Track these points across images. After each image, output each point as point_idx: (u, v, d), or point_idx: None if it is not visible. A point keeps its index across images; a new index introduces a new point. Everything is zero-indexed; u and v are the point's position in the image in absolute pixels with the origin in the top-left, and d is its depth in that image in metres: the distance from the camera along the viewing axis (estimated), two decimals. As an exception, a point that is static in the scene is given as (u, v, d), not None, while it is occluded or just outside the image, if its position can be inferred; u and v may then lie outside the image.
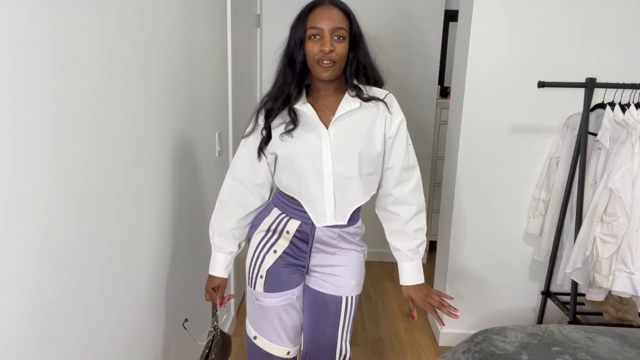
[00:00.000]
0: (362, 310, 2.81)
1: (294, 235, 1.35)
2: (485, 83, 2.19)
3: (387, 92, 1.34)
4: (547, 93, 2.16)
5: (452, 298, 1.38)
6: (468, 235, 2.36)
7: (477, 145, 2.26)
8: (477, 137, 2.25)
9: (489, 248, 2.37)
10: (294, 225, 1.34)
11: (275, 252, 1.36)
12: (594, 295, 1.96)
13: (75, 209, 0.97)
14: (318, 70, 1.24)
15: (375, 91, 1.33)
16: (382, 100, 1.31)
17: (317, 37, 1.22)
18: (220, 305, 1.47)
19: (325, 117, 1.29)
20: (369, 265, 3.37)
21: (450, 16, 3.42)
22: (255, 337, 1.41)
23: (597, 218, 1.86)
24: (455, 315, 1.31)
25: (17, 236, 0.80)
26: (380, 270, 3.36)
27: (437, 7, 3.15)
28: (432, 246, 3.59)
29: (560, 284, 2.13)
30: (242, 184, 1.39)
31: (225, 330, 2.26)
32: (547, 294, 2.29)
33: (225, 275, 1.45)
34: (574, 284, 1.98)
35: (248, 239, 1.46)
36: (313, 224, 1.33)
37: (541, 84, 1.93)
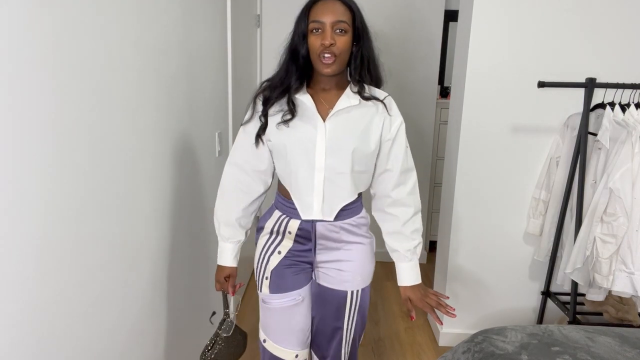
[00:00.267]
0: (362, 310, 2.81)
1: (297, 235, 1.36)
2: (485, 83, 2.19)
3: (387, 94, 1.35)
4: (547, 93, 2.16)
5: (449, 297, 1.39)
6: (468, 235, 2.36)
7: (477, 145, 2.26)
8: (477, 137, 2.25)
9: (488, 248, 2.37)
10: (294, 224, 1.35)
11: (279, 252, 1.38)
12: (594, 295, 1.96)
13: (75, 208, 0.97)
14: (320, 65, 1.24)
15: (375, 92, 1.34)
16: (381, 101, 1.32)
17: (319, 30, 1.22)
18: (233, 294, 1.48)
19: (324, 110, 1.30)
20: (369, 265, 3.36)
21: (450, 16, 3.42)
22: (264, 341, 1.43)
23: (597, 218, 1.86)
24: (453, 314, 1.32)
25: (17, 236, 0.80)
26: (380, 270, 3.36)
27: (437, 7, 3.15)
28: (432, 246, 3.59)
29: (560, 284, 2.13)
30: (244, 171, 1.38)
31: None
32: (547, 294, 2.29)
33: (235, 264, 1.45)
34: (574, 284, 1.98)
35: (255, 242, 1.48)
36: (313, 222, 1.34)
37: (541, 84, 1.93)
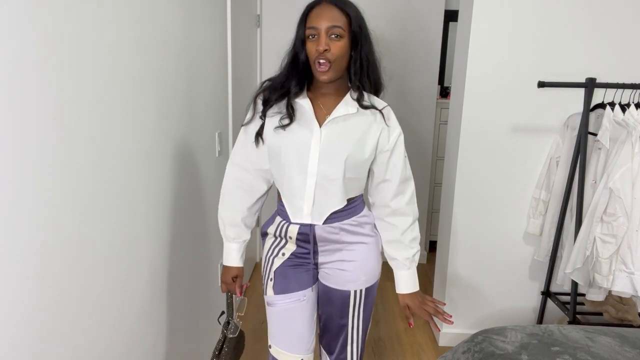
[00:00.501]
0: (362, 310, 2.82)
1: (297, 239, 1.37)
2: (485, 83, 2.19)
3: (386, 104, 1.34)
4: (547, 93, 2.16)
5: (445, 304, 1.41)
6: (468, 235, 2.36)
7: (477, 145, 2.26)
8: (477, 137, 2.25)
9: (488, 248, 2.37)
10: (294, 229, 1.36)
11: (283, 254, 1.40)
12: (594, 295, 1.96)
13: (75, 208, 0.97)
14: (316, 72, 1.25)
15: (375, 101, 1.34)
16: (379, 111, 1.31)
17: (315, 36, 1.22)
18: (240, 295, 1.49)
19: (322, 116, 1.30)
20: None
21: (450, 16, 3.42)
22: (270, 347, 1.43)
23: (597, 218, 1.86)
24: (450, 321, 1.33)
25: (17, 237, 0.80)
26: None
27: (437, 7, 3.15)
28: (432, 246, 3.59)
29: (560, 284, 2.13)
30: (247, 170, 1.39)
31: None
32: (547, 294, 2.29)
33: (241, 264, 1.46)
34: (574, 284, 1.98)
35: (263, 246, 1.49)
36: (312, 225, 1.34)
37: (541, 84, 1.94)
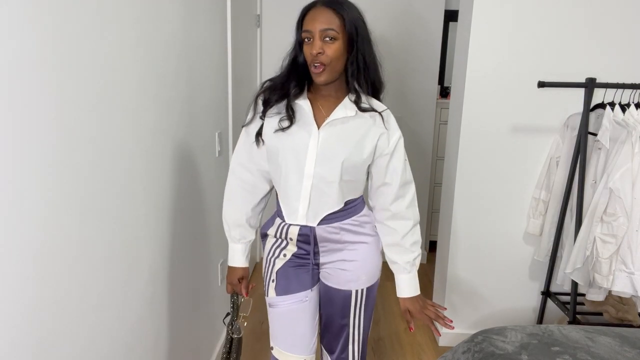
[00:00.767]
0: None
1: (298, 240, 1.37)
2: (485, 83, 2.19)
3: (386, 107, 1.34)
4: (547, 93, 2.16)
5: (446, 309, 1.41)
6: (468, 235, 2.36)
7: (477, 145, 2.26)
8: (477, 137, 2.25)
9: (488, 248, 2.37)
10: (294, 230, 1.35)
11: (285, 255, 1.40)
12: (594, 295, 1.96)
13: (75, 208, 0.97)
14: (313, 75, 1.25)
15: (374, 104, 1.33)
16: (379, 113, 1.30)
17: (310, 39, 1.22)
18: (246, 295, 1.49)
19: (321, 117, 1.30)
20: (369, 265, 3.35)
21: (450, 16, 3.42)
22: (272, 348, 1.43)
23: (597, 218, 1.86)
24: (451, 326, 1.33)
25: (17, 237, 0.80)
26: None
27: (437, 7, 3.15)
28: (432, 246, 3.59)
29: (560, 284, 2.13)
30: (249, 171, 1.40)
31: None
32: (547, 294, 2.29)
33: (246, 265, 1.46)
34: (574, 284, 1.98)
35: (263, 248, 1.49)
36: (311, 226, 1.34)
37: (541, 84, 1.93)
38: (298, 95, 1.31)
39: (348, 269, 1.38)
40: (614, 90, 1.98)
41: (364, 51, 1.25)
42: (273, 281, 1.40)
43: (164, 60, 1.44)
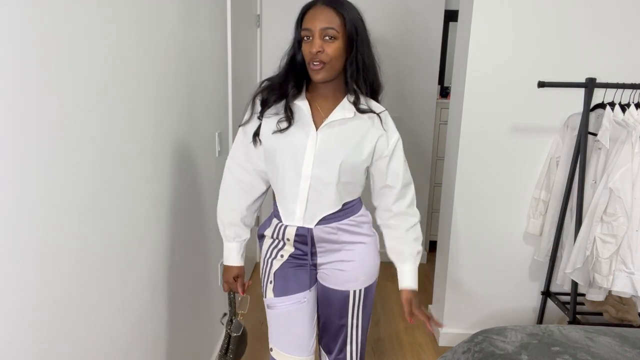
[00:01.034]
0: (362, 310, 2.82)
1: (295, 241, 1.36)
2: (485, 83, 2.18)
3: (384, 109, 1.34)
4: (547, 93, 2.16)
5: (443, 327, 1.47)
6: (468, 235, 2.36)
7: (477, 145, 2.26)
8: (477, 137, 2.25)
9: (488, 248, 2.37)
10: (291, 231, 1.35)
11: (282, 256, 1.40)
12: (594, 295, 1.96)
13: (75, 208, 0.97)
14: (311, 72, 1.24)
15: (372, 105, 1.33)
16: (377, 115, 1.31)
17: (309, 38, 1.22)
18: (243, 293, 1.49)
19: (319, 118, 1.30)
20: (369, 265, 3.35)
21: (450, 16, 3.41)
22: (271, 349, 1.43)
23: (597, 218, 1.86)
24: (442, 324, 1.38)
25: (17, 237, 0.80)
26: (380, 270, 3.35)
27: (437, 7, 3.15)
28: (432, 246, 3.59)
29: (560, 284, 2.13)
30: (245, 170, 1.39)
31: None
32: (547, 294, 2.29)
33: (242, 263, 1.46)
34: (574, 284, 1.98)
35: (259, 249, 1.50)
36: (309, 227, 1.34)
37: (541, 84, 1.93)
38: (296, 95, 1.30)
39: (346, 270, 1.38)
40: (614, 90, 1.98)
41: (363, 52, 1.25)
42: (271, 282, 1.40)
43: (164, 60, 1.43)
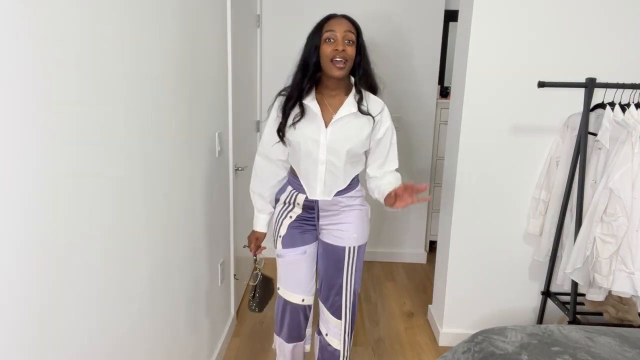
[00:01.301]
0: (362, 311, 2.81)
1: (303, 205, 1.73)
2: (485, 83, 2.19)
3: (383, 105, 1.68)
4: (547, 93, 2.16)
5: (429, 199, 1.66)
6: (468, 235, 2.36)
7: (477, 145, 2.26)
8: (477, 137, 2.25)
9: (488, 248, 2.37)
10: (301, 198, 1.72)
11: (291, 217, 1.77)
12: (594, 295, 1.96)
13: (75, 209, 0.97)
14: (332, 68, 1.54)
15: (372, 100, 1.66)
16: (373, 118, 1.64)
17: (332, 40, 1.54)
18: (253, 252, 1.88)
19: (328, 115, 1.63)
20: (369, 265, 3.37)
21: (450, 16, 3.41)
22: (279, 288, 1.81)
23: (597, 218, 1.86)
24: (427, 197, 1.55)
25: (15, 237, 0.80)
26: (380, 270, 3.36)
27: (437, 7, 3.15)
28: (432, 246, 3.59)
29: (560, 284, 2.13)
30: (270, 160, 1.76)
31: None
32: (547, 294, 2.29)
33: (265, 231, 1.86)
34: (574, 284, 1.98)
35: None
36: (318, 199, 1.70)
37: (541, 84, 1.93)
38: (307, 95, 1.62)
39: (343, 229, 1.73)
40: (614, 90, 1.98)
41: (367, 60, 1.62)
42: (280, 237, 1.78)
43: (164, 60, 1.44)
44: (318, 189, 1.68)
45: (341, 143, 1.61)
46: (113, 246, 1.15)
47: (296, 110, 1.62)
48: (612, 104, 1.93)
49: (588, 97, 1.94)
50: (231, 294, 2.51)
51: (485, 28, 2.13)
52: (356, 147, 1.64)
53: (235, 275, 2.54)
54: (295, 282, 1.77)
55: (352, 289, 1.77)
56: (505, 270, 2.40)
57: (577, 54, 2.14)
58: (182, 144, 1.63)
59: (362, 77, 1.61)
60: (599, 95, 2.04)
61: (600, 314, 2.12)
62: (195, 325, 1.86)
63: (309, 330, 1.89)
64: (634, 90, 1.98)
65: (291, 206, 1.76)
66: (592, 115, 2.05)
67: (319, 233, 1.78)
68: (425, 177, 3.42)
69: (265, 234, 1.86)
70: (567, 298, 2.07)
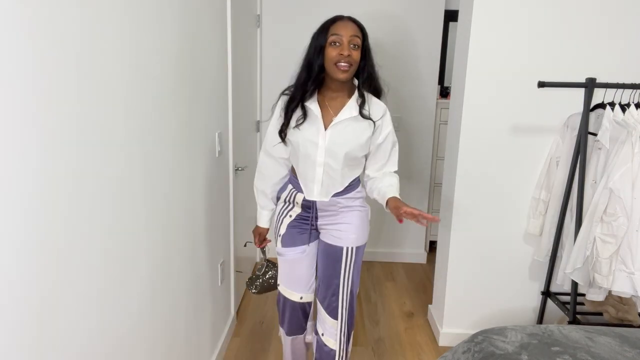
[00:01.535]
0: (362, 311, 2.81)
1: (302, 205, 1.74)
2: (485, 83, 2.19)
3: (385, 109, 1.67)
4: (547, 93, 2.16)
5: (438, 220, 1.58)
6: (468, 235, 2.36)
7: (477, 145, 2.26)
8: (477, 137, 2.25)
9: (489, 248, 2.37)
10: (300, 197, 1.73)
11: (290, 216, 1.78)
12: (594, 295, 1.96)
13: (74, 209, 0.97)
14: (336, 71, 1.54)
15: (374, 103, 1.64)
16: (374, 122, 1.63)
17: (337, 43, 1.52)
18: (258, 246, 1.95)
19: (328, 117, 1.63)
20: (369, 265, 3.37)
21: (450, 16, 3.41)
22: (279, 285, 1.85)
23: (597, 218, 1.86)
24: (436, 218, 1.48)
25: (15, 237, 0.80)
26: (380, 270, 3.36)
27: (437, 7, 3.15)
28: (432, 246, 3.59)
29: (560, 284, 2.13)
30: (273, 159, 1.78)
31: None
32: (547, 294, 2.29)
33: (267, 226, 1.90)
34: (574, 284, 1.98)
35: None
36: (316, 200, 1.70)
37: (541, 84, 1.93)
38: (312, 95, 1.61)
39: (342, 230, 1.73)
40: (614, 90, 1.98)
41: (372, 63, 1.61)
42: (280, 236, 1.80)
43: (164, 60, 1.43)
44: (315, 190, 1.69)
45: (339, 146, 1.61)
46: (113, 246, 1.15)
47: (298, 112, 1.62)
48: (612, 104, 1.93)
49: (588, 97, 1.94)
50: (231, 294, 2.51)
51: (485, 28, 2.13)
52: (354, 151, 1.63)
53: (238, 270, 2.54)
54: (294, 281, 1.80)
55: (349, 289, 1.77)
56: (505, 270, 2.40)
57: (577, 54, 2.14)
58: (182, 144, 1.63)
59: (366, 80, 1.60)
60: (599, 95, 2.04)
61: (600, 314, 2.12)
62: (195, 325, 1.86)
63: (310, 323, 1.91)
64: (634, 90, 1.98)
65: (291, 205, 1.77)
66: (592, 115, 2.05)
67: (319, 233, 1.79)
68: (425, 177, 3.42)
69: (267, 229, 1.91)
70: (567, 298, 2.07)
